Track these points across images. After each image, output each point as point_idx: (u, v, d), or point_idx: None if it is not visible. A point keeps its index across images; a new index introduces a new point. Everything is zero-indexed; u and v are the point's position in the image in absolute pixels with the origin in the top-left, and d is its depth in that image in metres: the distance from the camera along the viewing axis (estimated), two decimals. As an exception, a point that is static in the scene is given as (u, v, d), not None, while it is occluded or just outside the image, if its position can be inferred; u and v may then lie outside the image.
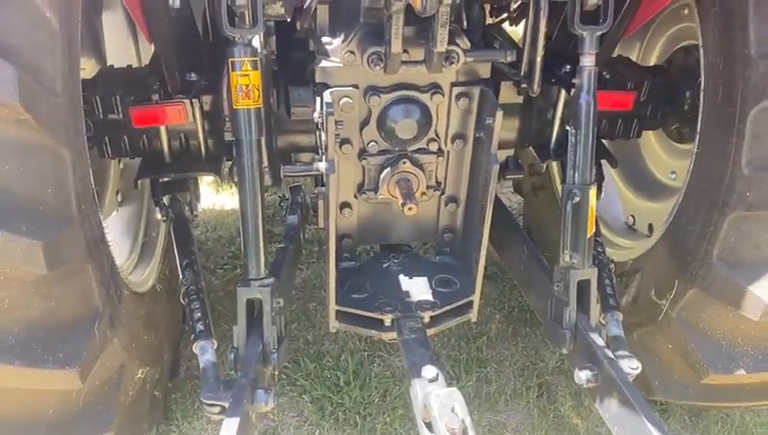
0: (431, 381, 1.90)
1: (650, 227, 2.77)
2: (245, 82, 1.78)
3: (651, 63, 2.87)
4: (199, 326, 2.02)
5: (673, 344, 2.27)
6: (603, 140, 2.71)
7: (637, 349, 2.21)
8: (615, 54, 2.80)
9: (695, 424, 2.82)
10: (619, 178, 3.09)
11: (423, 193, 2.24)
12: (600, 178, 2.61)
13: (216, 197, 4.25)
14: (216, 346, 1.99)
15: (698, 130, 2.13)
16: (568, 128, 1.96)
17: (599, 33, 1.87)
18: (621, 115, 2.58)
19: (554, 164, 2.91)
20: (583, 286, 2.02)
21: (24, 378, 1.59)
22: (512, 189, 3.96)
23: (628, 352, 1.99)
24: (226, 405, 1.75)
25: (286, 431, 2.75)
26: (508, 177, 2.63)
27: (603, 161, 2.66)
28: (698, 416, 2.84)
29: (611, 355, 1.93)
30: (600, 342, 1.97)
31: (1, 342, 1.54)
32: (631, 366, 1.93)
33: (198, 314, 2.07)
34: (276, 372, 1.97)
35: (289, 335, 2.19)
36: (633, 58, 2.91)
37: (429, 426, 1.83)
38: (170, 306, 2.70)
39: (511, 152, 2.60)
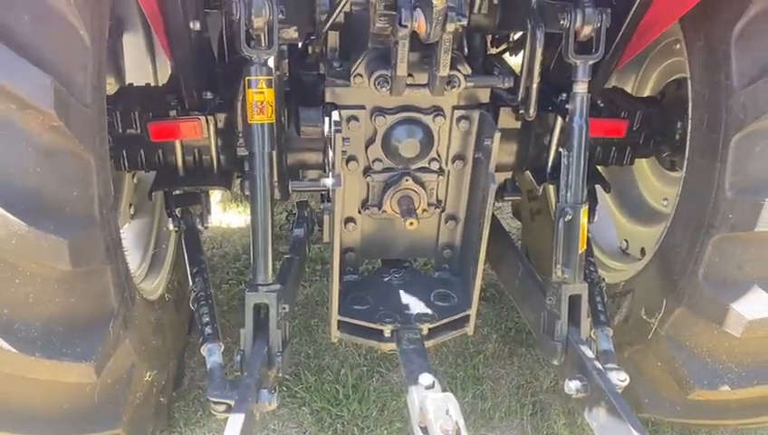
0: (428, 387, 1.99)
1: (642, 251, 2.87)
2: (260, 99, 1.91)
3: (645, 95, 3.00)
4: (207, 330, 2.12)
5: (662, 362, 2.35)
6: (598, 166, 2.84)
7: (627, 367, 2.29)
8: (610, 86, 2.95)
9: (684, 444, 2.89)
10: (613, 205, 3.21)
11: (424, 210, 2.35)
12: (593, 202, 2.73)
13: (222, 215, 4.36)
14: (222, 349, 2.09)
15: (686, 156, 2.25)
16: (561, 150, 2.08)
17: (591, 62, 2.00)
18: (615, 142, 2.70)
19: (551, 188, 3.02)
20: (575, 301, 2.12)
21: (44, 369, 1.69)
22: (511, 214, 4.08)
23: (616, 366, 2.08)
24: (232, 403, 1.84)
25: (285, 441, 2.83)
26: (506, 198, 2.73)
27: (597, 186, 2.78)
28: (688, 437, 2.90)
29: (601, 367, 2.02)
30: (590, 354, 2.06)
31: (24, 334, 1.63)
32: (620, 378, 2.02)
33: (207, 319, 2.17)
34: (280, 375, 2.06)
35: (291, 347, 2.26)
36: (628, 90, 3.05)
37: (425, 430, 1.91)
38: (177, 317, 2.79)
39: (509, 175, 2.72)
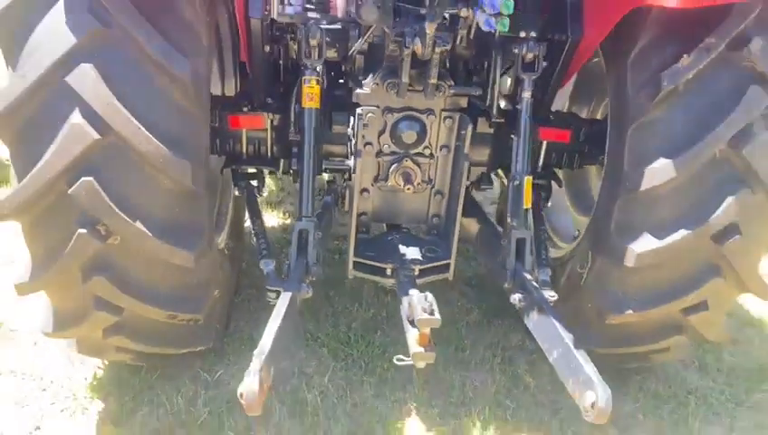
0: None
1: (588, 236, 3.75)
2: (311, 91, 2.88)
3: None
4: (264, 251, 3.04)
5: (590, 302, 3.17)
6: (555, 169, 3.76)
7: (569, 312, 3.12)
8: (569, 111, 3.90)
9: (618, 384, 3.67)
10: (571, 204, 4.12)
11: (418, 184, 3.26)
12: (548, 193, 3.66)
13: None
14: (275, 263, 2.98)
15: (606, 147, 3.15)
16: (512, 136, 3.01)
17: (533, 77, 2.95)
18: (567, 150, 3.62)
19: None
20: (521, 242, 2.99)
21: (165, 252, 2.55)
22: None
23: (550, 289, 2.94)
24: (281, 290, 2.72)
25: (308, 367, 3.63)
26: (483, 187, 3.66)
27: (553, 182, 3.70)
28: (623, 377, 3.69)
29: (537, 287, 2.89)
30: (531, 278, 2.93)
31: (159, 226, 2.51)
32: (550, 295, 2.87)
33: (264, 246, 3.09)
34: (314, 279, 2.93)
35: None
36: (584, 114, 4.00)
37: (412, 322, 2.76)
38: (231, 269, 3.68)
39: (485, 170, 3.64)
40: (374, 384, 3.56)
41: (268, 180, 5.37)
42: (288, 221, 5.21)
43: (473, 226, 3.58)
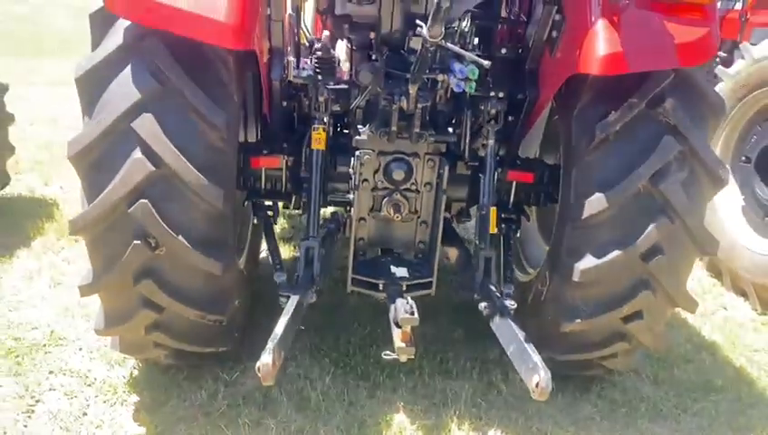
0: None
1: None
2: (318, 136, 3.60)
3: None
4: (277, 266, 3.71)
5: (549, 315, 3.79)
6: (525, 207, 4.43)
7: (533, 324, 3.75)
8: (537, 157, 4.60)
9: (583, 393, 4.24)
10: (541, 236, 4.77)
11: (407, 214, 3.93)
12: (518, 225, 4.32)
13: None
14: (286, 276, 3.64)
15: (560, 185, 3.82)
16: (480, 175, 3.70)
17: (496, 128, 3.66)
18: (533, 189, 4.29)
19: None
20: (488, 261, 3.65)
21: (198, 260, 3.22)
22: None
23: (511, 300, 3.57)
24: (291, 295, 3.37)
25: (312, 374, 4.23)
26: (462, 220, 4.33)
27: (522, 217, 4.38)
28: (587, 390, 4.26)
29: (501, 297, 3.52)
30: (495, 290, 3.56)
31: (194, 239, 3.19)
32: (511, 304, 3.51)
33: (278, 264, 3.76)
34: (318, 288, 3.58)
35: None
36: (551, 161, 4.68)
37: (397, 323, 3.39)
38: (248, 286, 4.33)
39: (464, 205, 4.32)
40: (368, 388, 4.16)
41: (283, 220, 6.09)
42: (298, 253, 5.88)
43: (453, 251, 4.24)
